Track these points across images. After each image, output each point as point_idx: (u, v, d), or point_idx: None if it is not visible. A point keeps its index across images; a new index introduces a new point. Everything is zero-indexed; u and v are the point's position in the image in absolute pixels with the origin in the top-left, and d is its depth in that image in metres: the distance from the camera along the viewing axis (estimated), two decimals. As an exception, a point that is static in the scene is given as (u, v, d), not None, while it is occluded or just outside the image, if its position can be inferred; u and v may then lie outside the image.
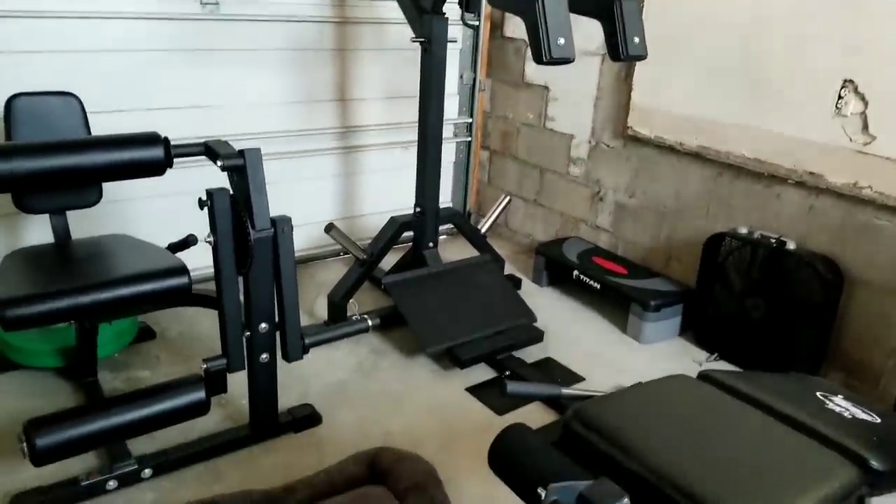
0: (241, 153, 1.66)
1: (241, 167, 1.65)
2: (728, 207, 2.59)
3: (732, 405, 1.19)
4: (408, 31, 2.46)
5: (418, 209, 2.67)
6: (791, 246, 2.32)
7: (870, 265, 2.22)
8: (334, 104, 3.06)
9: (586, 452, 1.05)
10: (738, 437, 1.11)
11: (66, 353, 2.15)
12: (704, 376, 1.32)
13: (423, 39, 2.40)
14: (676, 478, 1.01)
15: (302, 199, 3.07)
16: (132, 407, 1.62)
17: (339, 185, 3.23)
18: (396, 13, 2.56)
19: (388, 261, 2.80)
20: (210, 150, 1.71)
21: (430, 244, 2.71)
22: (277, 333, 1.85)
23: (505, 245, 3.51)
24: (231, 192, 1.69)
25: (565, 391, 1.60)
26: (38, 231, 2.40)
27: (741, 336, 2.47)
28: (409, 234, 2.74)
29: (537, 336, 2.52)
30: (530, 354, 2.48)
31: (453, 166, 3.63)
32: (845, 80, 2.18)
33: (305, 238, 3.09)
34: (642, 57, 1.99)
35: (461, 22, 2.43)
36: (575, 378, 2.39)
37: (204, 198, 1.65)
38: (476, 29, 3.27)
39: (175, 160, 1.75)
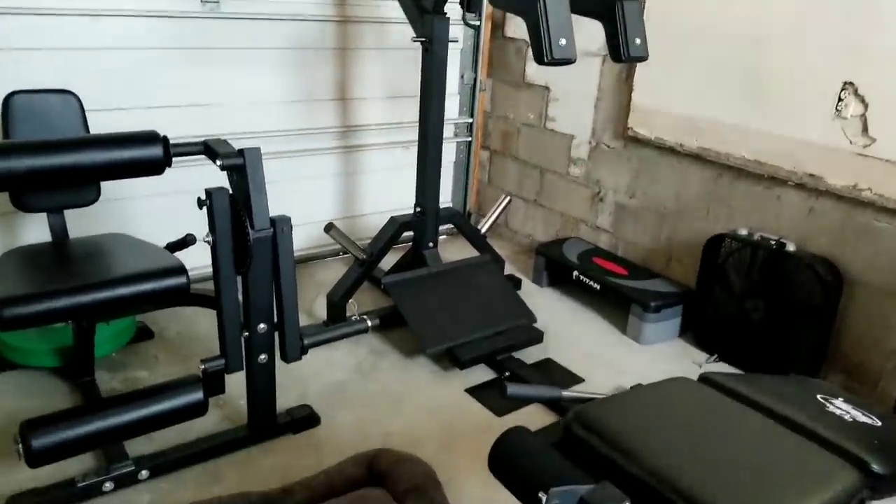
0: (241, 152, 1.65)
1: (241, 166, 1.65)
2: (728, 209, 2.59)
3: (733, 408, 1.18)
4: (409, 31, 2.46)
5: (418, 209, 2.67)
6: (791, 248, 2.32)
7: (869, 267, 2.22)
8: (335, 103, 3.05)
9: (587, 455, 1.05)
10: (739, 441, 1.11)
11: (62, 352, 2.14)
12: (705, 379, 1.31)
13: (424, 39, 2.39)
14: (677, 481, 1.00)
15: (302, 199, 3.06)
16: (129, 408, 1.61)
17: (339, 185, 3.22)
18: (397, 13, 2.56)
19: (388, 261, 2.79)
20: (209, 150, 1.70)
21: (430, 244, 2.70)
22: (276, 334, 1.84)
23: (505, 245, 3.51)
24: (230, 191, 1.68)
25: (565, 393, 1.59)
26: (35, 230, 2.39)
27: (741, 337, 2.47)
28: (408, 233, 2.73)
29: (537, 337, 2.51)
30: (530, 355, 2.48)
31: (454, 166, 3.62)
32: (845, 83, 2.17)
33: (305, 237, 3.08)
34: (643, 58, 1.99)
35: (462, 22, 2.43)
36: (574, 379, 2.38)
37: (203, 197, 1.64)
38: (477, 29, 3.26)
39: (174, 159, 1.74)
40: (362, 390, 2.24)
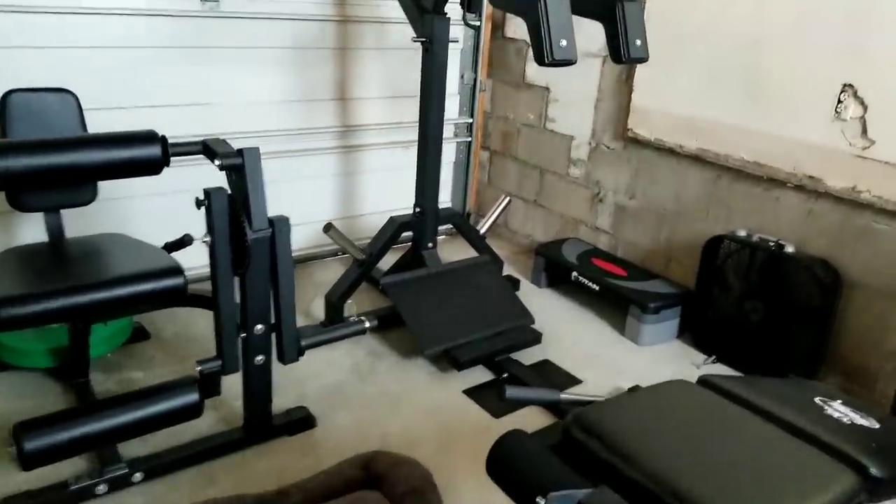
0: (240, 152, 1.64)
1: (240, 166, 1.64)
2: (727, 210, 2.58)
3: (733, 411, 1.18)
4: (409, 31, 2.45)
5: (418, 209, 2.66)
6: (790, 249, 2.31)
7: (868, 269, 2.22)
8: (334, 103, 3.04)
9: (586, 459, 1.04)
10: (738, 444, 1.10)
11: (57, 353, 2.13)
12: (704, 381, 1.31)
13: (424, 39, 2.38)
14: (676, 486, 1.00)
15: (301, 199, 3.05)
16: (124, 409, 1.60)
17: (339, 185, 3.21)
18: (397, 12, 2.55)
19: (387, 261, 2.78)
20: (208, 149, 1.69)
21: (430, 244, 2.70)
22: (273, 335, 1.83)
23: (504, 245, 3.50)
24: (229, 191, 1.67)
25: (564, 396, 1.58)
26: (31, 229, 2.37)
27: (739, 339, 2.46)
28: (407, 234, 2.72)
29: (535, 338, 2.51)
30: (528, 356, 2.47)
31: (453, 166, 3.61)
32: (845, 85, 2.17)
33: (303, 237, 3.07)
34: (644, 59, 1.98)
35: (462, 22, 2.42)
36: (573, 380, 2.37)
37: (201, 197, 1.63)
38: (477, 29, 3.26)
39: (172, 159, 1.73)
40: (360, 392, 2.23)
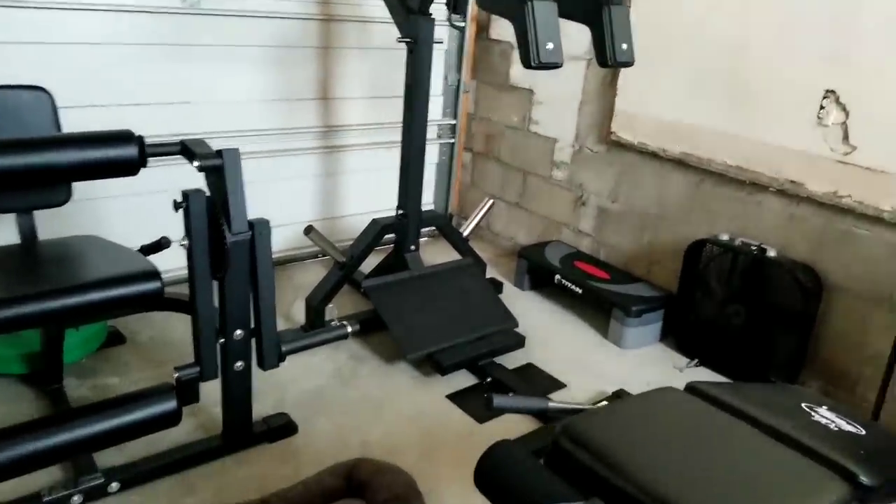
0: (220, 153, 1.60)
1: (219, 168, 1.60)
2: (710, 214, 2.59)
3: (722, 419, 1.17)
4: (393, 31, 2.42)
5: (400, 211, 2.63)
6: (772, 253, 2.33)
7: (848, 273, 2.24)
8: (316, 103, 3.00)
9: (576, 470, 1.02)
10: (729, 453, 1.10)
11: (30, 359, 2.06)
12: (692, 388, 1.30)
13: (409, 40, 2.36)
14: (667, 497, 0.98)
15: (281, 200, 3.01)
16: (99, 418, 1.55)
17: (320, 186, 3.17)
18: (381, 12, 2.52)
19: (369, 263, 2.75)
20: (186, 150, 1.64)
21: (412, 247, 2.67)
22: (253, 340, 1.79)
23: (487, 248, 3.48)
24: (208, 193, 1.63)
25: (552, 405, 1.57)
26: (2, 231, 2.29)
27: (722, 342, 2.47)
28: (389, 236, 2.69)
29: (519, 342, 2.49)
30: (512, 360, 2.45)
31: (436, 168, 3.59)
32: (827, 91, 2.19)
33: (283, 239, 3.03)
34: (630, 63, 1.98)
35: (447, 23, 2.40)
36: (556, 384, 2.36)
37: (179, 199, 1.59)
38: (462, 30, 3.24)
39: (150, 159, 1.68)
40: (341, 397, 2.20)
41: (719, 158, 2.50)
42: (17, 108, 1.90)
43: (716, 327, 2.48)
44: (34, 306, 1.54)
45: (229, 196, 1.60)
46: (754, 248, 2.36)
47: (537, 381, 2.38)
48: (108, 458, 1.75)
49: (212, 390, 1.86)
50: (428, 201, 3.58)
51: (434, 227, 2.98)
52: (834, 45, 2.15)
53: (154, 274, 1.69)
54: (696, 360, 2.56)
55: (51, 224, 2.08)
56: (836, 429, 1.24)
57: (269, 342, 1.80)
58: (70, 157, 1.59)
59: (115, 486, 1.69)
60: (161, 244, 1.96)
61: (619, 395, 2.29)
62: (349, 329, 2.04)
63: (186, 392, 1.69)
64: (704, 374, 2.51)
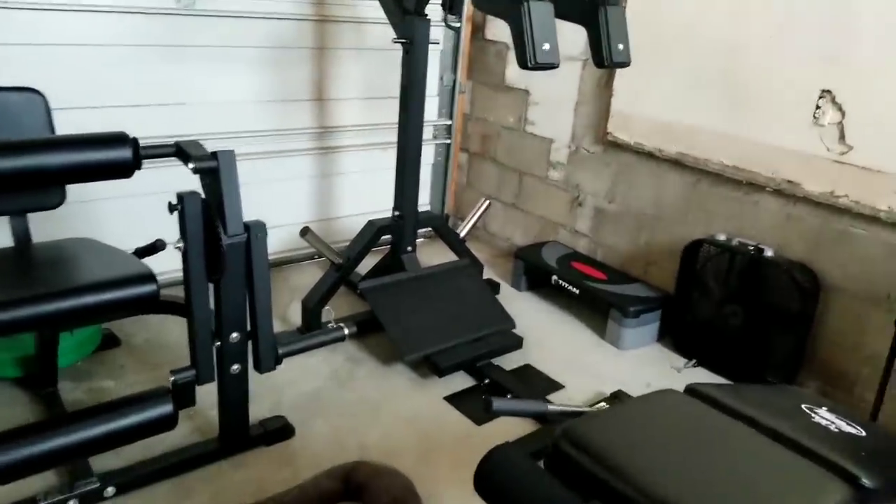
0: (215, 155, 1.59)
1: (214, 170, 1.59)
2: (707, 214, 2.59)
3: (723, 422, 1.17)
4: (388, 31, 2.41)
5: (397, 213, 2.62)
6: (769, 253, 2.33)
7: (845, 273, 2.24)
8: (311, 104, 2.99)
9: (576, 474, 1.02)
10: (730, 456, 1.09)
11: (24, 362, 2.05)
12: (692, 390, 1.29)
13: (405, 40, 2.35)
14: (668, 501, 0.98)
15: (277, 201, 2.99)
16: (94, 422, 1.54)
17: (316, 187, 3.16)
18: (377, 12, 2.51)
19: (366, 264, 2.74)
20: (181, 152, 1.63)
21: (409, 248, 2.66)
22: (249, 343, 1.78)
23: (483, 248, 3.48)
24: (203, 195, 1.62)
25: (551, 408, 1.57)
26: (-4, 233, 2.28)
27: (719, 343, 2.47)
28: (386, 237, 2.68)
29: (516, 343, 2.49)
30: (509, 361, 2.45)
31: (432, 168, 3.58)
32: (823, 91, 2.19)
33: (279, 240, 3.01)
34: (626, 64, 1.97)
35: (443, 24, 2.39)
36: (554, 385, 2.36)
37: (174, 201, 1.58)
38: (458, 31, 3.23)
39: (144, 161, 1.67)
40: (338, 399, 2.19)
41: (716, 158, 2.50)
42: (10, 110, 1.89)
43: (713, 328, 2.48)
44: (28, 310, 1.53)
45: (225, 198, 1.59)
46: (751, 248, 2.36)
47: (535, 383, 2.37)
48: (104, 462, 1.73)
49: (208, 393, 1.85)
50: (424, 202, 3.57)
51: (430, 228, 2.98)
52: (830, 44, 2.15)
53: (149, 277, 1.68)
54: (693, 361, 2.56)
55: (44, 227, 2.06)
56: (836, 430, 1.24)
57: (265, 345, 1.79)
58: (64, 159, 1.57)
59: (111, 490, 1.67)
60: (156, 246, 1.95)
61: (617, 396, 2.28)
62: (346, 331, 2.03)
63: (183, 395, 1.68)
64: (702, 375, 2.51)
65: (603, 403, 2.19)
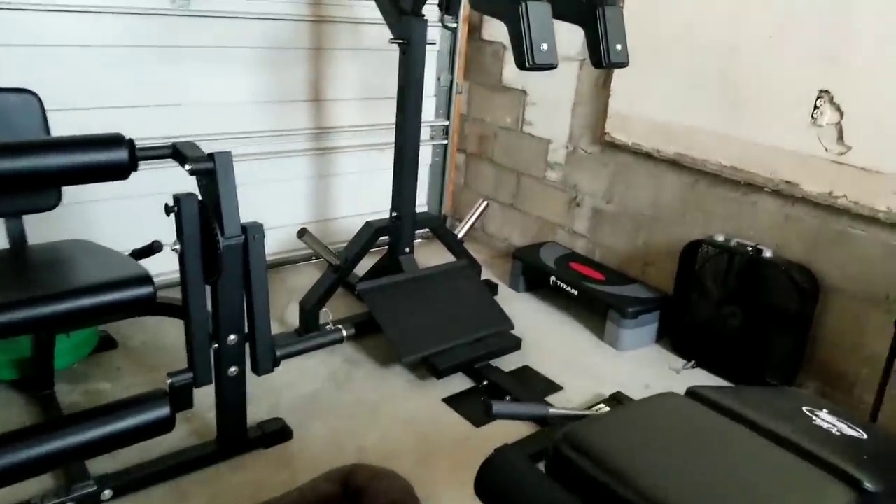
0: (211, 156, 1.58)
1: (211, 171, 1.58)
2: (705, 215, 2.59)
3: (724, 425, 1.16)
4: (385, 32, 2.40)
5: (394, 214, 2.61)
6: (768, 254, 2.32)
7: (844, 274, 2.24)
8: (308, 104, 2.98)
9: (577, 478, 1.01)
10: (732, 460, 1.08)
11: (20, 364, 2.03)
12: (692, 393, 1.29)
13: (401, 41, 2.34)
14: (669, 504, 0.97)
15: (274, 202, 2.98)
16: (91, 425, 1.52)
17: (313, 188, 3.15)
18: (374, 13, 2.50)
19: (363, 265, 2.73)
20: (178, 153, 1.62)
21: (407, 249, 2.65)
22: (247, 345, 1.77)
23: (481, 249, 3.47)
24: (200, 196, 1.61)
25: (552, 411, 1.56)
26: (-9, 235, 2.27)
27: (718, 344, 2.47)
28: (383, 238, 2.67)
29: (515, 344, 2.48)
30: (508, 362, 2.44)
31: (429, 169, 3.57)
32: (821, 91, 2.19)
33: (277, 242, 3.00)
34: (624, 64, 1.97)
35: (440, 24, 2.39)
36: (553, 387, 2.35)
37: (171, 203, 1.57)
38: (454, 31, 3.22)
39: (140, 163, 1.66)
40: (336, 401, 2.18)
41: (714, 159, 2.50)
42: (5, 112, 1.87)
43: (712, 328, 2.48)
44: (24, 312, 1.51)
45: (222, 200, 1.58)
46: (750, 248, 2.36)
47: (534, 384, 2.36)
48: (101, 465, 1.72)
49: (205, 396, 1.83)
50: (422, 203, 3.56)
51: (428, 229, 2.97)
52: (828, 45, 2.15)
53: (146, 279, 1.67)
54: (692, 362, 2.55)
55: (40, 228, 2.05)
56: (837, 433, 1.23)
57: (263, 347, 1.78)
58: (59, 160, 1.56)
59: (107, 493, 1.66)
60: (153, 248, 1.94)
61: (616, 398, 2.28)
62: (344, 333, 2.02)
63: (180, 398, 1.66)
64: (701, 376, 2.51)
65: (602, 405, 2.19)
